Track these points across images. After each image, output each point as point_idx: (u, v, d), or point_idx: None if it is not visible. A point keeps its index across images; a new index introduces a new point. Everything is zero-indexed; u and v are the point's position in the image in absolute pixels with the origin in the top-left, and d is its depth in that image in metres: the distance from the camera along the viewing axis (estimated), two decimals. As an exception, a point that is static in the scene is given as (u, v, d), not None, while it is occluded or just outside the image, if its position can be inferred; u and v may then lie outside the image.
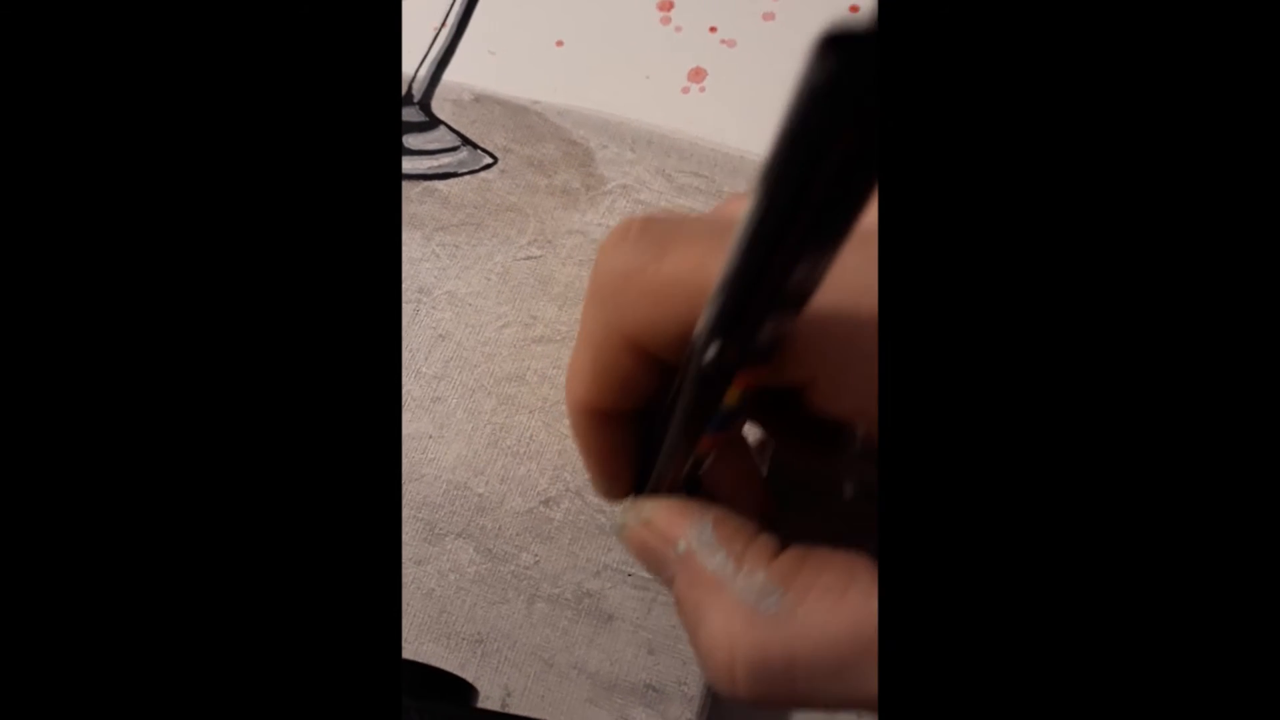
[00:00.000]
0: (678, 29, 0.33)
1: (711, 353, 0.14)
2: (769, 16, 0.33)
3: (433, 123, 0.31)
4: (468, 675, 0.24)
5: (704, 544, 0.18)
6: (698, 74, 0.32)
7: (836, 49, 0.09)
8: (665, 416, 0.18)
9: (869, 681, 0.15)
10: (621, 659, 0.24)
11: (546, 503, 0.25)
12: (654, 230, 0.16)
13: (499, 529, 0.25)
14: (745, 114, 0.31)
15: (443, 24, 0.33)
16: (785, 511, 0.21)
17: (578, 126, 0.31)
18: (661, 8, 0.33)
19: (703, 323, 0.14)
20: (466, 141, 0.31)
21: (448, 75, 0.32)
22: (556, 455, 0.26)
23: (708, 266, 0.15)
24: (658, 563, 0.19)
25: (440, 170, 0.31)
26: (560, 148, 0.31)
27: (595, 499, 0.25)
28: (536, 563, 0.25)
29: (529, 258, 0.29)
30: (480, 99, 0.32)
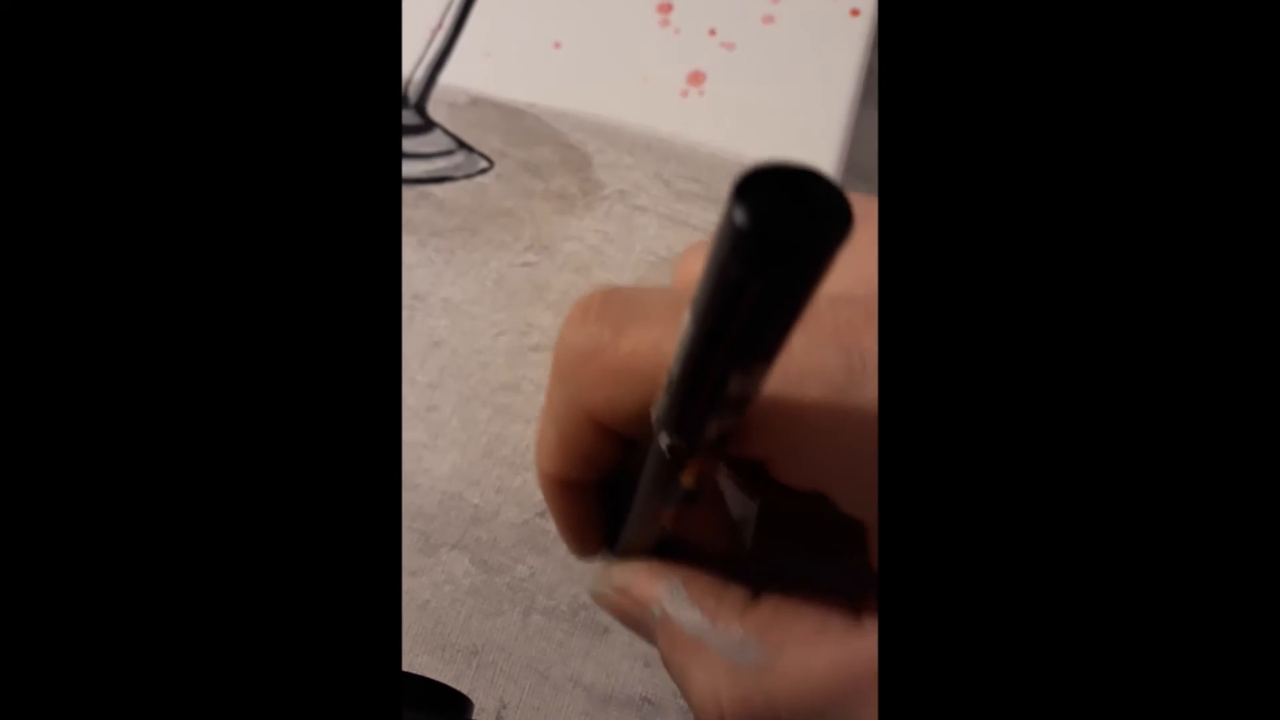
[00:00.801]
0: (676, 31, 0.33)
1: (664, 443, 0.15)
2: (769, 20, 0.33)
3: (428, 126, 0.32)
4: (462, 688, 0.24)
5: (678, 605, 0.18)
6: (696, 77, 0.32)
7: (749, 197, 0.09)
8: (631, 484, 0.18)
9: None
10: (617, 672, 0.24)
11: (542, 514, 0.26)
12: (614, 308, 0.17)
13: (494, 540, 0.25)
14: (744, 118, 0.32)
15: (439, 25, 0.33)
16: (776, 539, 0.21)
17: (575, 130, 0.31)
18: (660, 10, 0.33)
19: (655, 413, 0.15)
20: (462, 145, 0.31)
21: (444, 77, 0.32)
22: (552, 466, 0.26)
23: (664, 347, 0.16)
24: (638, 626, 0.20)
25: (435, 174, 0.31)
26: (557, 152, 0.31)
27: (591, 510, 0.26)
28: (532, 575, 0.25)
29: (525, 264, 0.29)
30: (476, 102, 0.32)
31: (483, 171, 0.31)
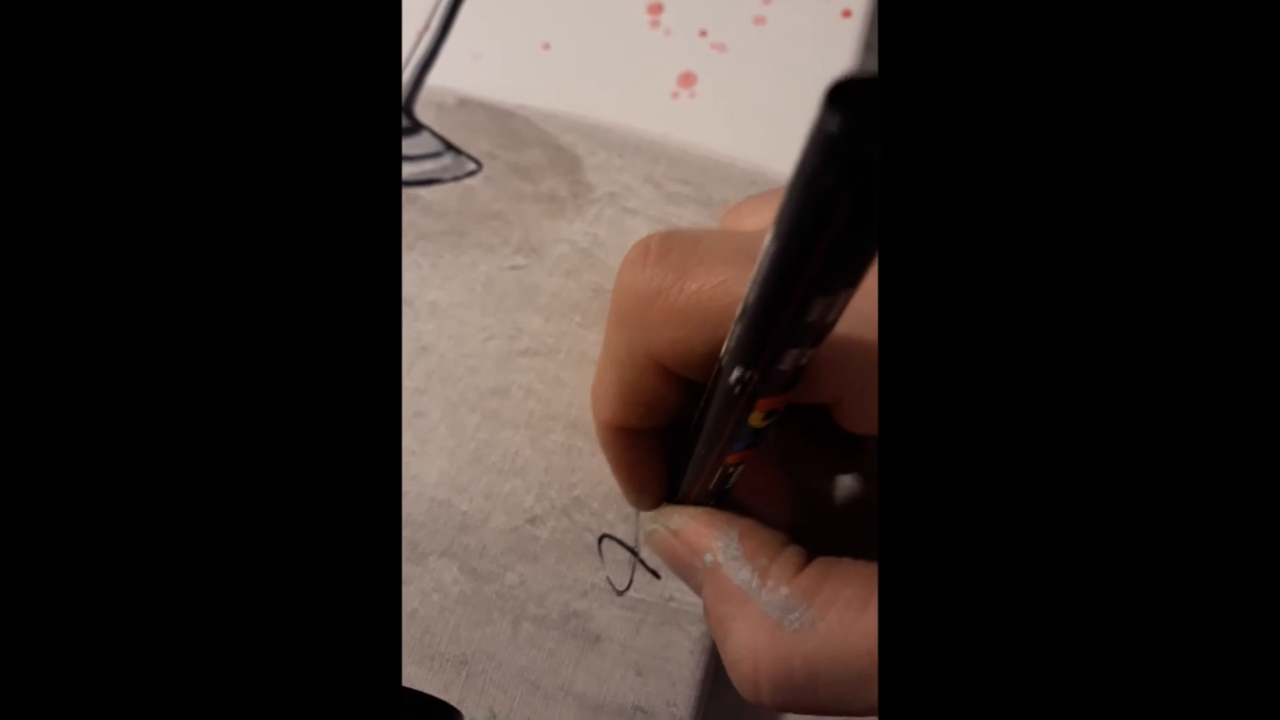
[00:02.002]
0: (667, 32, 0.33)
1: (734, 378, 0.15)
2: (760, 20, 0.33)
3: (416, 128, 0.32)
4: (451, 698, 0.24)
5: (730, 557, 0.19)
6: (687, 79, 0.32)
7: (846, 100, 0.09)
8: (693, 431, 0.18)
9: None
10: (609, 680, 0.24)
11: (532, 521, 0.26)
12: (675, 250, 0.17)
13: (483, 548, 0.26)
14: (736, 120, 0.32)
15: (426, 26, 0.34)
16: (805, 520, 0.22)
17: (564, 131, 0.32)
18: (650, 10, 0.34)
19: (726, 347, 0.15)
20: (450, 147, 0.32)
21: (431, 79, 0.33)
22: (542, 472, 0.26)
23: (730, 288, 0.16)
24: (686, 571, 0.20)
25: (423, 176, 0.31)
26: (546, 153, 0.31)
27: (582, 517, 0.26)
28: (522, 582, 0.25)
29: (514, 267, 0.29)
30: (464, 103, 0.32)
31: (471, 174, 0.31)
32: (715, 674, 0.26)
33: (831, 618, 0.17)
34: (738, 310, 0.14)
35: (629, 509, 0.26)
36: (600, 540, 0.26)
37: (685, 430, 0.19)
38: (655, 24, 0.33)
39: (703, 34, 0.33)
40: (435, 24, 0.34)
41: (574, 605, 0.25)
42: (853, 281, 0.12)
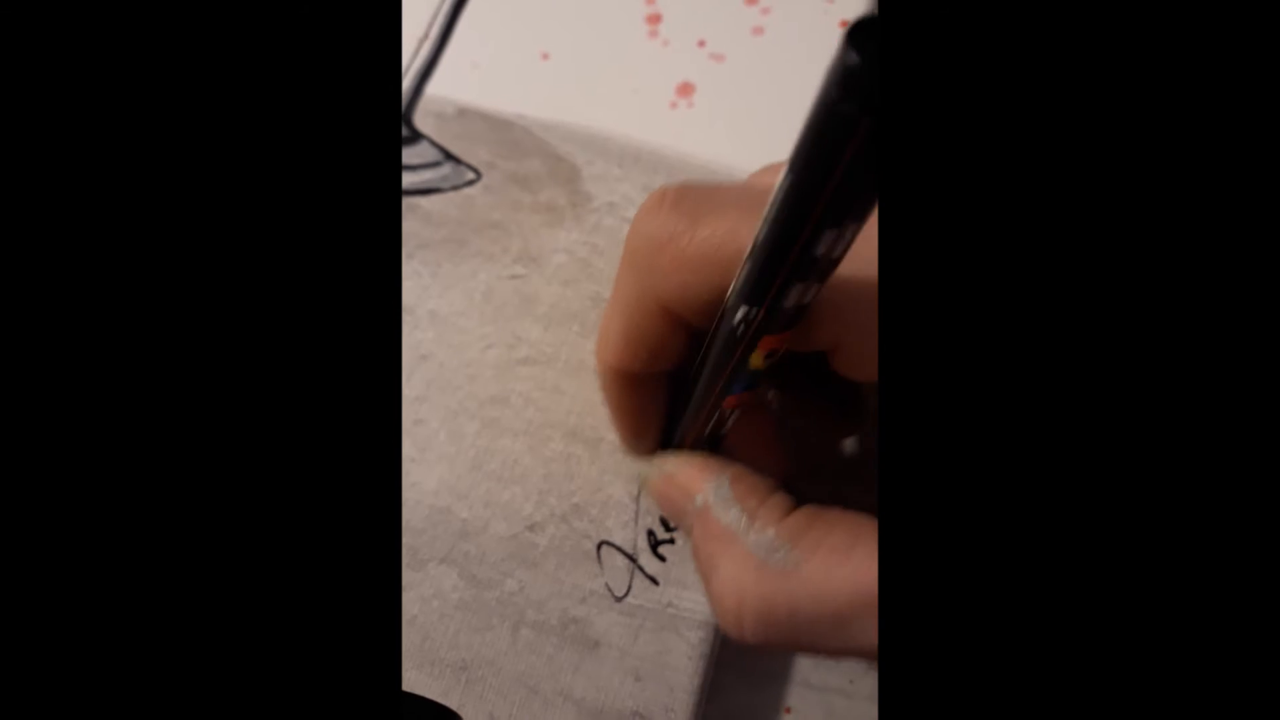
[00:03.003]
0: (665, 43, 0.34)
1: (739, 316, 0.16)
2: (759, 31, 0.34)
3: (415, 137, 0.33)
4: (451, 703, 0.25)
5: (720, 499, 0.20)
6: (686, 89, 0.33)
7: (866, 37, 0.11)
8: (693, 377, 0.19)
9: (867, 634, 0.17)
10: (608, 686, 0.25)
11: (531, 528, 0.27)
12: (689, 199, 0.18)
13: (483, 555, 0.26)
14: (734, 130, 0.33)
15: (425, 36, 0.34)
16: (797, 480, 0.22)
17: (564, 141, 0.32)
18: (649, 21, 0.34)
19: (733, 288, 0.16)
20: (449, 156, 0.32)
21: (430, 88, 0.34)
22: (541, 480, 0.27)
23: (740, 235, 0.17)
24: (677, 513, 0.21)
25: (422, 186, 0.32)
26: (545, 163, 0.32)
27: (581, 524, 0.27)
28: (521, 589, 0.26)
29: (513, 277, 0.30)
30: (463, 112, 0.33)
31: (470, 183, 0.32)
32: (714, 680, 0.26)
33: (816, 561, 0.18)
34: (746, 249, 0.15)
35: (628, 516, 0.26)
36: (599, 547, 0.26)
37: (684, 379, 0.20)
38: (654, 34, 0.34)
39: (701, 44, 0.34)
40: (434, 33, 0.34)
41: (573, 611, 0.26)
42: (861, 214, 0.13)
